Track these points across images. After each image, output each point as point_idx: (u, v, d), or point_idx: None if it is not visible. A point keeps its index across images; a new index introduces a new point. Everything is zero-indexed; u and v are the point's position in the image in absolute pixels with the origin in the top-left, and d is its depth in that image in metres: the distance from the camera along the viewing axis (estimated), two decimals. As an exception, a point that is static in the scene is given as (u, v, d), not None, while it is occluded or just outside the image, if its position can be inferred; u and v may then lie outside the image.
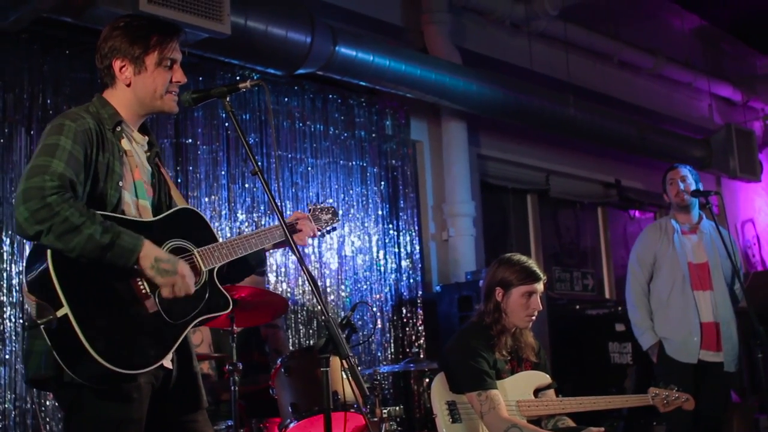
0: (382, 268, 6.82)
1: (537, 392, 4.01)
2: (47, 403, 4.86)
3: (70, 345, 2.38)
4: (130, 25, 2.73)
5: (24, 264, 2.50)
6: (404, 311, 6.91)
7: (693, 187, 5.26)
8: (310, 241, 3.21)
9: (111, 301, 2.48)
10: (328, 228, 3.27)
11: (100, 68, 2.74)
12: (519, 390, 3.95)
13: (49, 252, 2.41)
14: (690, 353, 5.13)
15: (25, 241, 4.94)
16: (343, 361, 2.58)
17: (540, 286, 4.05)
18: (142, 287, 2.54)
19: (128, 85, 2.71)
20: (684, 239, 5.30)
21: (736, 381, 5.40)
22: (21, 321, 4.87)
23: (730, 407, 6.25)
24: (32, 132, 5.05)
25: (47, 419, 4.86)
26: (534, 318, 4.06)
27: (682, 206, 5.32)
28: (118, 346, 2.43)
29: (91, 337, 2.37)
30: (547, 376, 4.07)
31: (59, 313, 2.37)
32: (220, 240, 2.84)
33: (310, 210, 3.24)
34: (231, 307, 2.80)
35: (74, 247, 2.39)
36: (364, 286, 6.67)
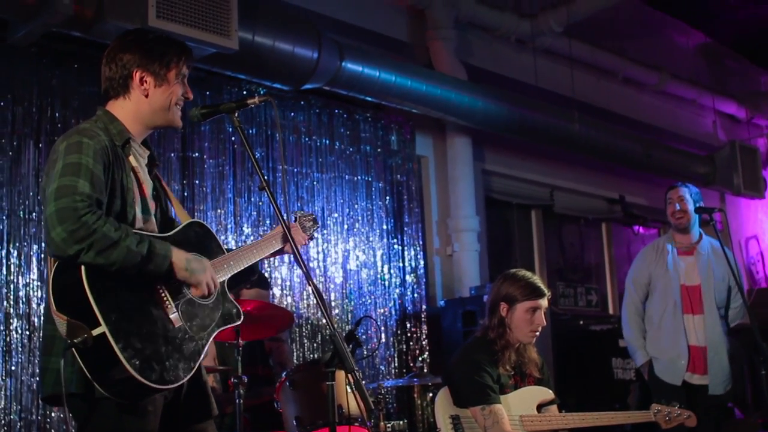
0: (387, 283, 6.83)
1: (540, 407, 4.03)
2: (52, 414, 4.87)
3: (106, 363, 2.40)
4: (148, 38, 2.79)
5: (51, 282, 2.49)
6: (408, 326, 6.91)
7: (691, 207, 5.25)
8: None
9: (141, 317, 2.50)
10: (311, 234, 3.31)
11: (114, 78, 2.74)
12: (522, 405, 3.96)
13: (83, 271, 2.42)
14: (675, 375, 5.16)
15: (32, 253, 4.97)
16: (349, 375, 2.60)
17: (544, 302, 4.08)
18: (166, 303, 2.58)
19: (146, 96, 2.74)
20: (679, 260, 5.30)
21: (726, 400, 5.38)
22: (28, 333, 4.89)
23: (730, 425, 6.24)
24: (41, 145, 5.07)
25: (52, 431, 4.87)
26: (538, 333, 4.09)
27: (680, 228, 5.33)
28: (152, 362, 2.46)
29: (129, 355, 2.40)
30: (550, 391, 4.09)
31: (95, 332, 2.38)
32: (224, 252, 2.90)
33: (296, 218, 3.27)
34: (242, 317, 2.85)
35: (114, 260, 2.42)
36: (369, 301, 6.68)
